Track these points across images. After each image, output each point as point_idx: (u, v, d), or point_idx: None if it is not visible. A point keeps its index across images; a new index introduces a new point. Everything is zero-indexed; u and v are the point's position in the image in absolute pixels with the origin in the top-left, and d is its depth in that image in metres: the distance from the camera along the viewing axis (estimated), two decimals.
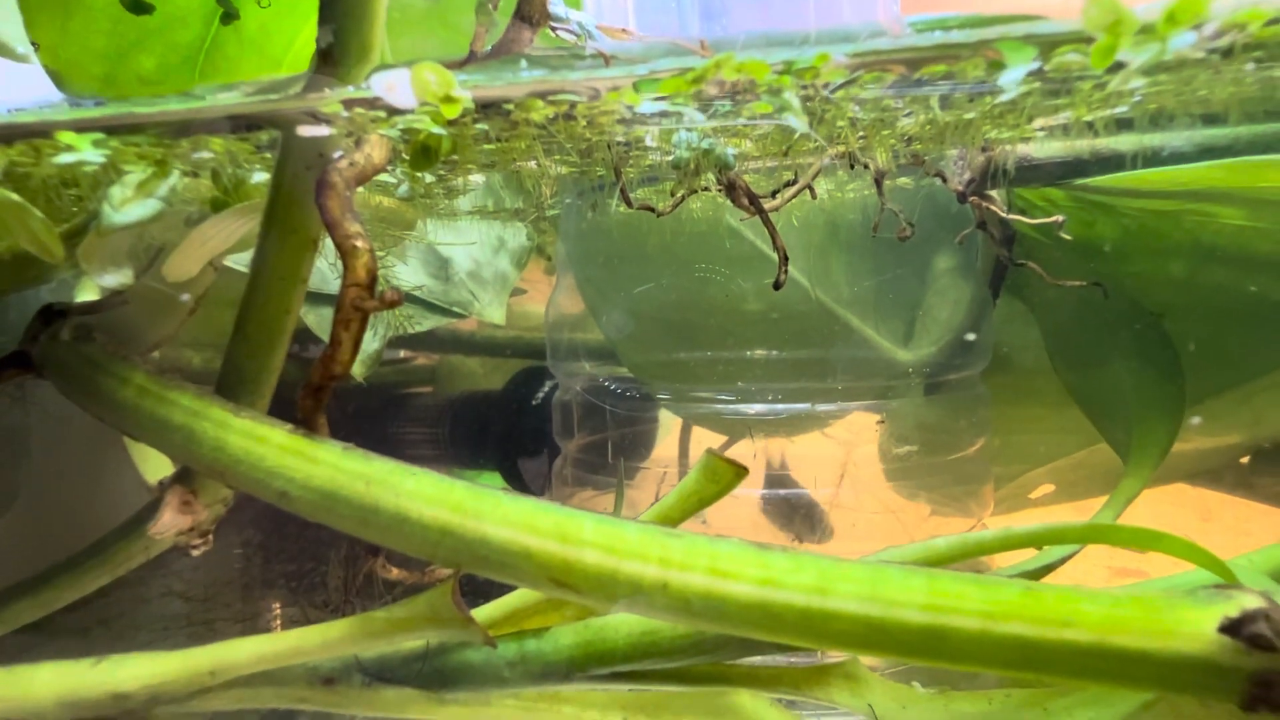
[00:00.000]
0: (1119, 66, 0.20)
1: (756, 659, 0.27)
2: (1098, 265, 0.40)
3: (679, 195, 0.31)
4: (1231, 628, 0.20)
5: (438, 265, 0.41)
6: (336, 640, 0.22)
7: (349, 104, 0.21)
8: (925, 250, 0.46)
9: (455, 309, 0.41)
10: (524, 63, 0.21)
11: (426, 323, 0.40)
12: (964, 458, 0.44)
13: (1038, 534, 0.26)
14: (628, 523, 0.21)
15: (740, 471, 0.24)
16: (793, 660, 0.28)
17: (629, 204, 0.28)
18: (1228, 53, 0.19)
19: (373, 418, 0.66)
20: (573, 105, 0.21)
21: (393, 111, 0.21)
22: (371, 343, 0.38)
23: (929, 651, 0.20)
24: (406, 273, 0.40)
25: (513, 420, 0.61)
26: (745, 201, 0.28)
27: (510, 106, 0.21)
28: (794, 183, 0.30)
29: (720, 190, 0.28)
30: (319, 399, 0.23)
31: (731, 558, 0.20)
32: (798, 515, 0.49)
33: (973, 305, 0.42)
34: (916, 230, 0.47)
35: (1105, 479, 0.49)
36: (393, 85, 0.20)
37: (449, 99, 0.20)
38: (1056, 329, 0.42)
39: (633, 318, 0.51)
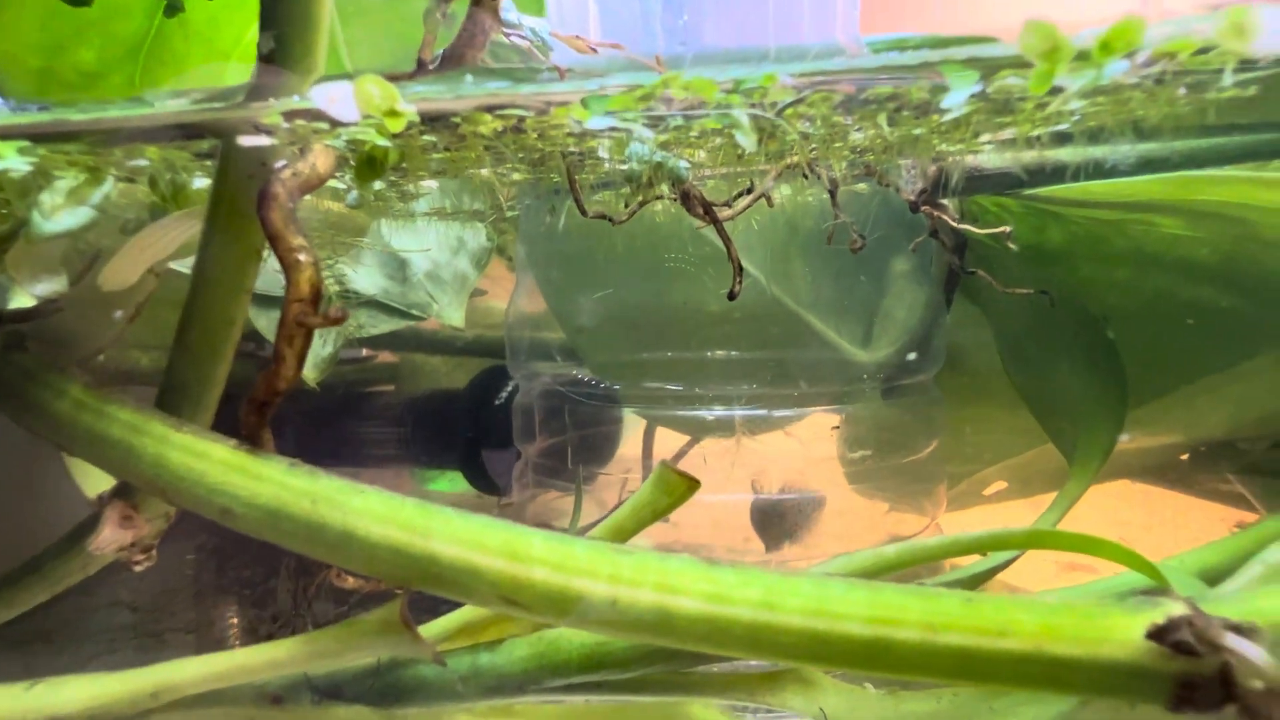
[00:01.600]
0: (1058, 90, 0.20)
1: (712, 666, 0.27)
2: (1049, 271, 0.41)
3: (635, 205, 0.31)
4: (1158, 634, 0.21)
5: (395, 267, 0.41)
6: (284, 659, 0.22)
7: (290, 115, 0.20)
8: (884, 254, 0.47)
9: (413, 311, 0.40)
10: (469, 77, 0.21)
11: (383, 325, 0.39)
12: (919, 459, 0.45)
13: (982, 540, 0.27)
14: (577, 540, 0.21)
15: (693, 484, 0.24)
16: (747, 665, 0.29)
17: (583, 213, 0.28)
18: (1160, 79, 0.20)
19: (333, 417, 0.65)
20: (521, 119, 0.21)
21: (336, 123, 0.20)
22: (324, 347, 0.37)
23: (873, 662, 0.20)
24: (363, 276, 0.39)
25: (475, 419, 0.60)
26: (700, 211, 0.29)
27: (457, 120, 0.21)
28: (750, 191, 0.31)
29: (675, 199, 0.28)
30: (263, 414, 0.22)
31: (680, 574, 0.21)
32: (772, 519, 0.50)
33: (928, 309, 0.43)
34: (874, 234, 0.48)
35: (1056, 477, 0.50)
36: (334, 98, 0.19)
37: (393, 113, 0.19)
38: (1009, 332, 0.43)
39: (595, 319, 0.51)
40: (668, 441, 0.58)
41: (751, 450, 0.53)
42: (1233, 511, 0.48)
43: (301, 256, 0.21)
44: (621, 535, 0.25)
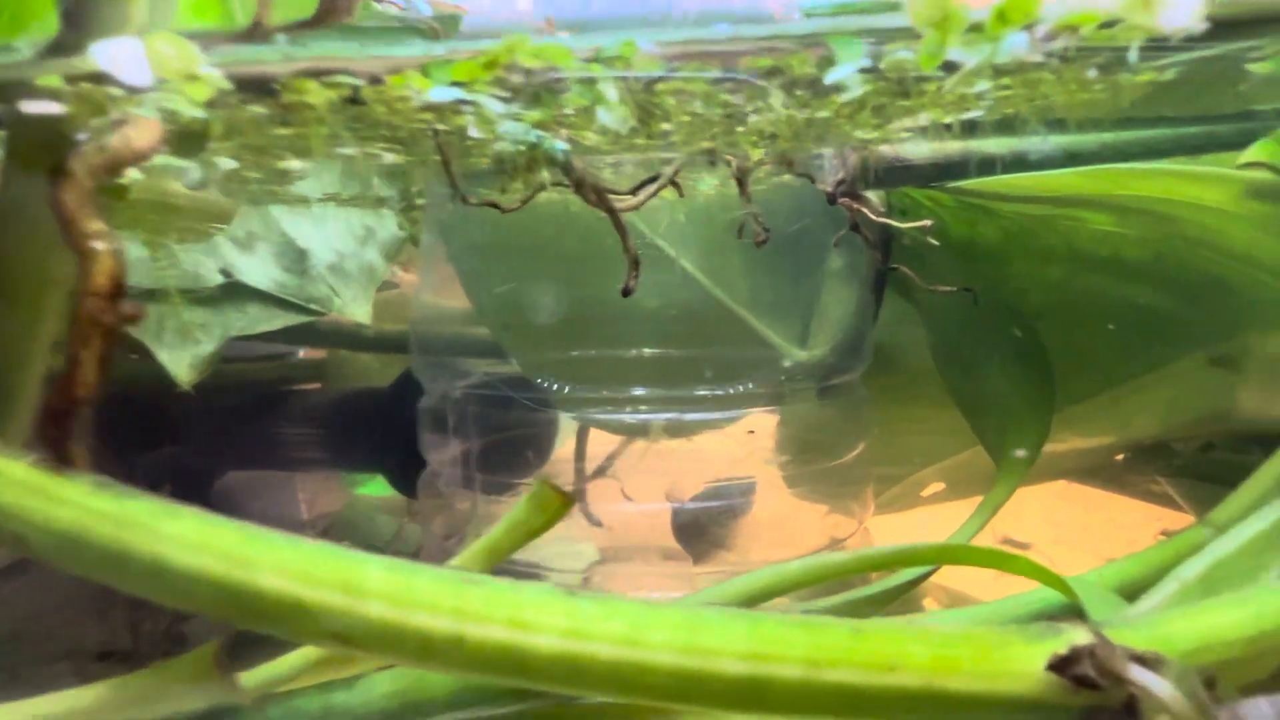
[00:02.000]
0: (954, 67, 0.18)
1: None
2: (981, 267, 0.40)
3: (528, 192, 0.28)
4: (1059, 665, 0.19)
5: (293, 258, 0.37)
6: (85, 710, 0.19)
7: (73, 79, 0.17)
8: (819, 249, 0.45)
9: (312, 306, 0.37)
10: (281, 38, 0.18)
11: (277, 321, 0.36)
12: (847, 461, 0.43)
13: (890, 556, 0.25)
14: (422, 569, 0.19)
15: (568, 501, 0.22)
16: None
17: (464, 200, 0.25)
18: (1065, 57, 0.18)
19: (253, 418, 0.61)
20: (356, 89, 0.18)
21: (133, 89, 0.18)
22: (205, 345, 0.34)
23: (750, 703, 0.18)
24: (254, 265, 0.36)
25: (400, 419, 0.57)
26: (594, 199, 0.26)
27: (279, 87, 0.18)
28: (655, 180, 0.28)
29: (570, 187, 0.26)
30: (64, 426, 0.19)
31: (535, 607, 0.18)
32: (694, 529, 0.48)
33: (859, 306, 0.42)
34: (809, 231, 0.46)
35: (993, 478, 0.49)
36: (120, 58, 0.16)
37: (192, 76, 0.17)
38: (941, 330, 0.41)
39: (523, 315, 0.49)
40: (599, 445, 0.56)
41: (684, 453, 0.51)
42: (1166, 512, 0.47)
43: (98, 245, 0.18)
44: (496, 556, 0.23)
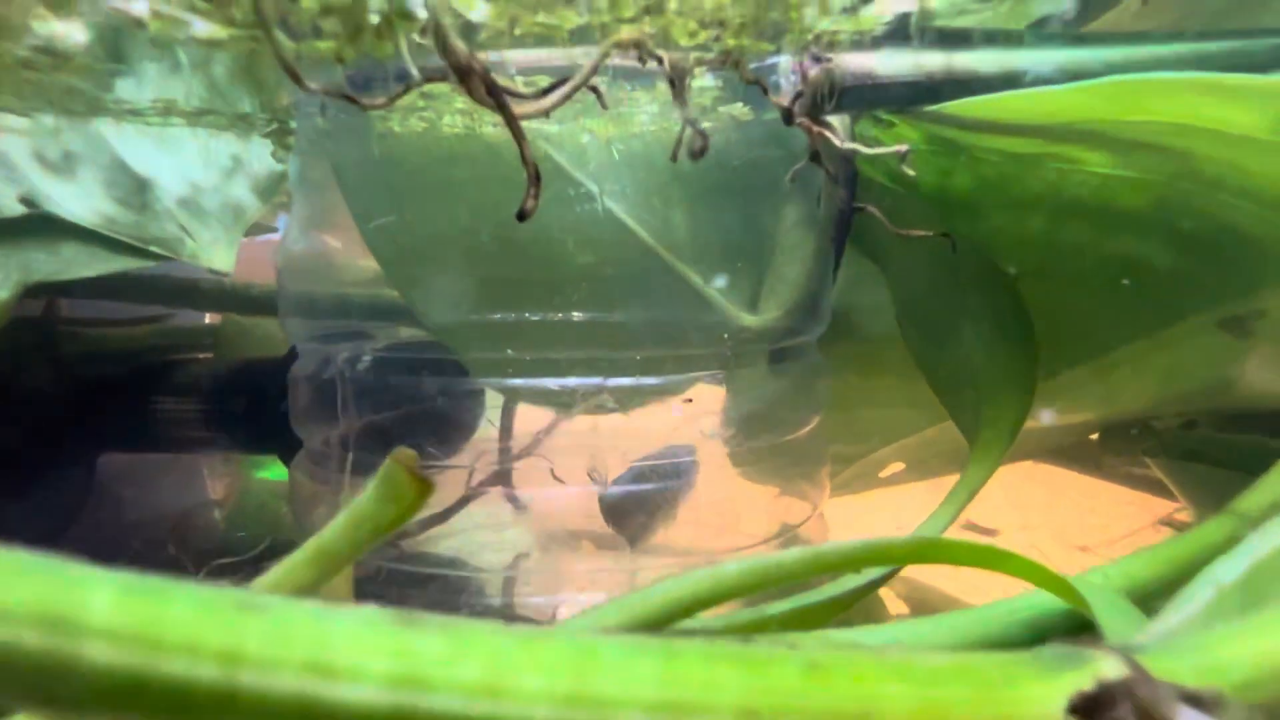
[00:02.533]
0: None
1: None
2: (953, 221, 0.35)
3: (401, 87, 0.22)
4: (1085, 708, 0.14)
5: (130, 188, 0.30)
6: None
7: None
8: (771, 198, 0.40)
9: (153, 248, 0.30)
10: None
11: (100, 265, 0.29)
12: (799, 437, 0.38)
13: (854, 553, 0.20)
14: (179, 591, 0.12)
15: (426, 487, 0.16)
16: None
17: (299, 82, 0.19)
18: None
19: (126, 390, 0.53)
20: None
21: None
22: None
23: None
24: (72, 194, 0.28)
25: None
26: (484, 94, 0.20)
27: None
28: (567, 80, 0.22)
29: (457, 83, 0.19)
30: None
31: (350, 644, 0.12)
32: (625, 512, 0.42)
33: (815, 262, 0.36)
34: (760, 174, 0.41)
35: (959, 457, 0.45)
36: None
37: None
38: (906, 291, 0.36)
39: (437, 271, 0.42)
40: (530, 420, 0.50)
41: (619, 428, 0.46)
42: (1141, 496, 0.44)
43: None
44: (331, 564, 0.17)
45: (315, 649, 0.12)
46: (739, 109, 0.35)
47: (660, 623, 0.20)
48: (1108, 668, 0.14)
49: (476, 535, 0.51)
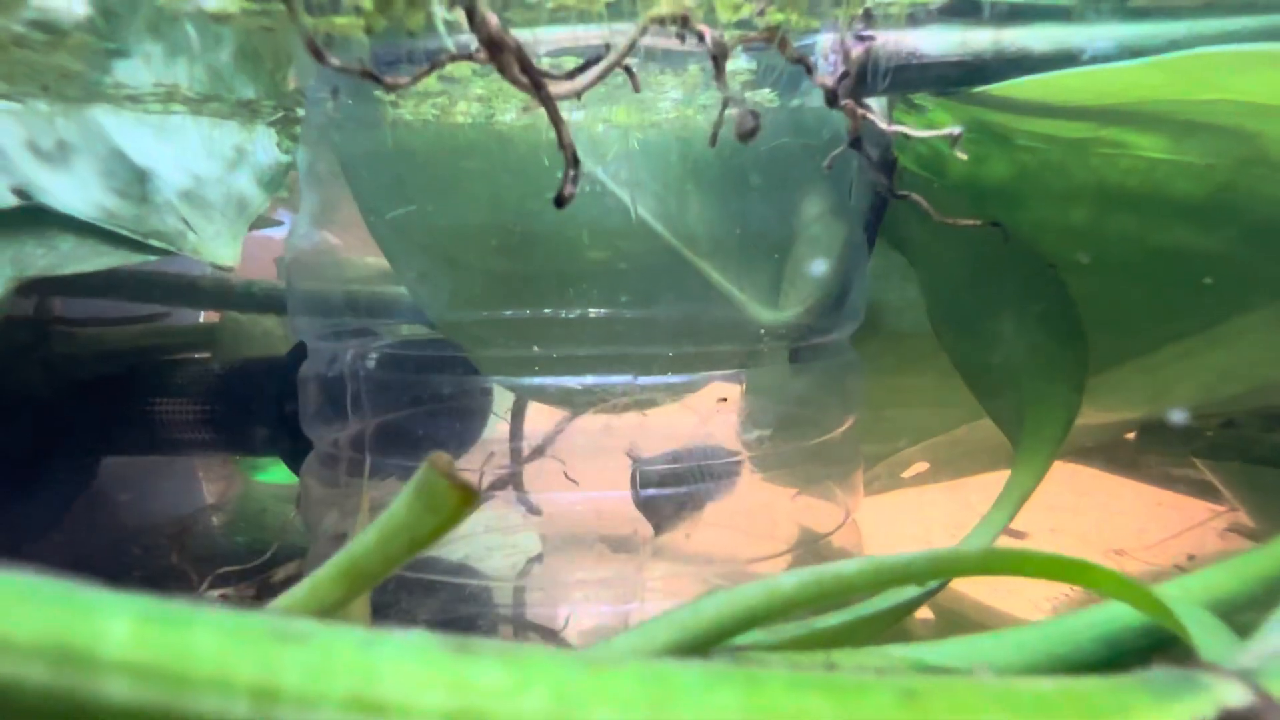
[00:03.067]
0: None
1: None
2: (990, 210, 0.33)
3: (428, 66, 0.20)
4: None
5: (129, 179, 0.28)
6: None
7: None
8: (795, 187, 0.38)
9: (154, 242, 0.29)
10: None
11: (97, 260, 0.27)
12: (833, 438, 0.37)
13: (915, 565, 0.18)
14: (206, 618, 0.11)
15: (469, 495, 0.15)
16: None
17: (319, 56, 0.17)
18: None
19: (122, 391, 0.51)
20: None
21: None
22: None
23: None
24: (67, 185, 0.27)
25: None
26: (517, 73, 0.18)
27: None
28: (601, 59, 0.21)
29: (487, 58, 0.18)
30: None
31: (400, 676, 0.11)
32: (670, 509, 0.41)
33: (846, 253, 0.35)
34: (784, 162, 0.39)
35: (984, 457, 0.44)
36: None
37: None
38: (940, 286, 0.35)
39: (444, 265, 0.40)
40: (542, 420, 0.49)
41: (637, 430, 0.44)
42: (1172, 496, 0.42)
43: None
44: (362, 579, 0.15)
45: (362, 682, 0.11)
46: (765, 95, 0.34)
47: (712, 639, 0.18)
48: (1229, 694, 0.13)
49: (485, 539, 0.50)
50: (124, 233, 0.28)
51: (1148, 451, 0.37)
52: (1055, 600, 0.38)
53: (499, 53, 0.18)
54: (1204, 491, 0.37)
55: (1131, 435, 0.38)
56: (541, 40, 0.26)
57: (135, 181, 0.28)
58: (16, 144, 0.25)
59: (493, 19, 0.17)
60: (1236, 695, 0.13)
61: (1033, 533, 0.44)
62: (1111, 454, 0.39)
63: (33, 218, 0.26)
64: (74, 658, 0.10)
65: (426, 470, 0.15)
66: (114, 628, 0.11)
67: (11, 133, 0.25)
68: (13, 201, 0.25)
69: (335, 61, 0.18)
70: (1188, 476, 0.38)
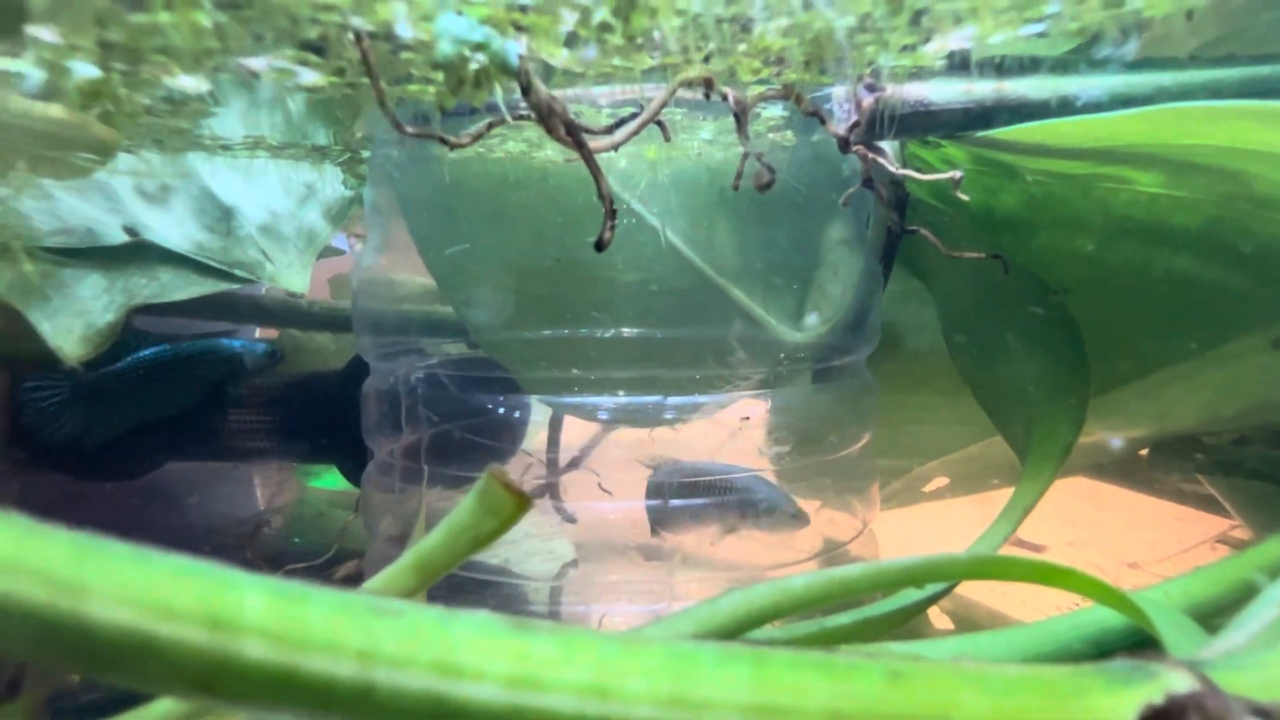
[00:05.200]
0: None
1: None
2: (1000, 239, 0.36)
3: (484, 124, 0.23)
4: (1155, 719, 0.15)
5: (216, 216, 0.32)
6: None
7: None
8: (817, 218, 0.41)
9: (237, 271, 0.32)
10: None
11: (192, 289, 0.31)
12: (850, 453, 0.39)
13: (914, 569, 0.21)
14: (319, 596, 0.14)
15: (524, 502, 0.17)
16: None
17: (399, 128, 0.20)
18: None
19: (190, 403, 0.56)
20: None
21: None
22: (103, 314, 0.29)
23: None
24: (167, 222, 0.30)
25: (355, 406, 0.52)
26: (563, 133, 0.21)
27: None
28: (637, 115, 0.23)
29: (535, 119, 0.21)
30: None
31: (472, 646, 0.14)
32: (687, 518, 0.43)
33: (863, 281, 0.37)
34: (807, 195, 0.42)
35: (1004, 472, 0.45)
36: None
37: None
38: (953, 309, 0.37)
39: (491, 289, 0.44)
40: (580, 434, 0.51)
41: (666, 443, 0.47)
42: (1190, 512, 0.43)
43: None
44: (431, 572, 0.18)
45: (442, 651, 0.13)
46: (788, 136, 0.36)
47: (729, 633, 0.21)
48: (1176, 681, 0.15)
49: (524, 544, 0.53)
50: (213, 263, 0.31)
51: (1160, 468, 0.39)
52: (1066, 608, 0.40)
53: (548, 116, 0.21)
54: (1217, 507, 0.38)
55: (1144, 452, 0.40)
56: (580, 95, 0.28)
57: (222, 218, 0.32)
58: (127, 188, 0.29)
59: (543, 90, 0.20)
60: (1183, 682, 0.15)
61: (1051, 545, 0.46)
62: (1128, 471, 0.41)
63: (138, 252, 0.29)
64: (223, 623, 0.13)
65: (487, 479, 0.18)
66: (252, 600, 0.14)
67: (123, 180, 0.28)
68: (123, 239, 0.29)
69: (411, 130, 0.21)
70: (1198, 492, 0.39)
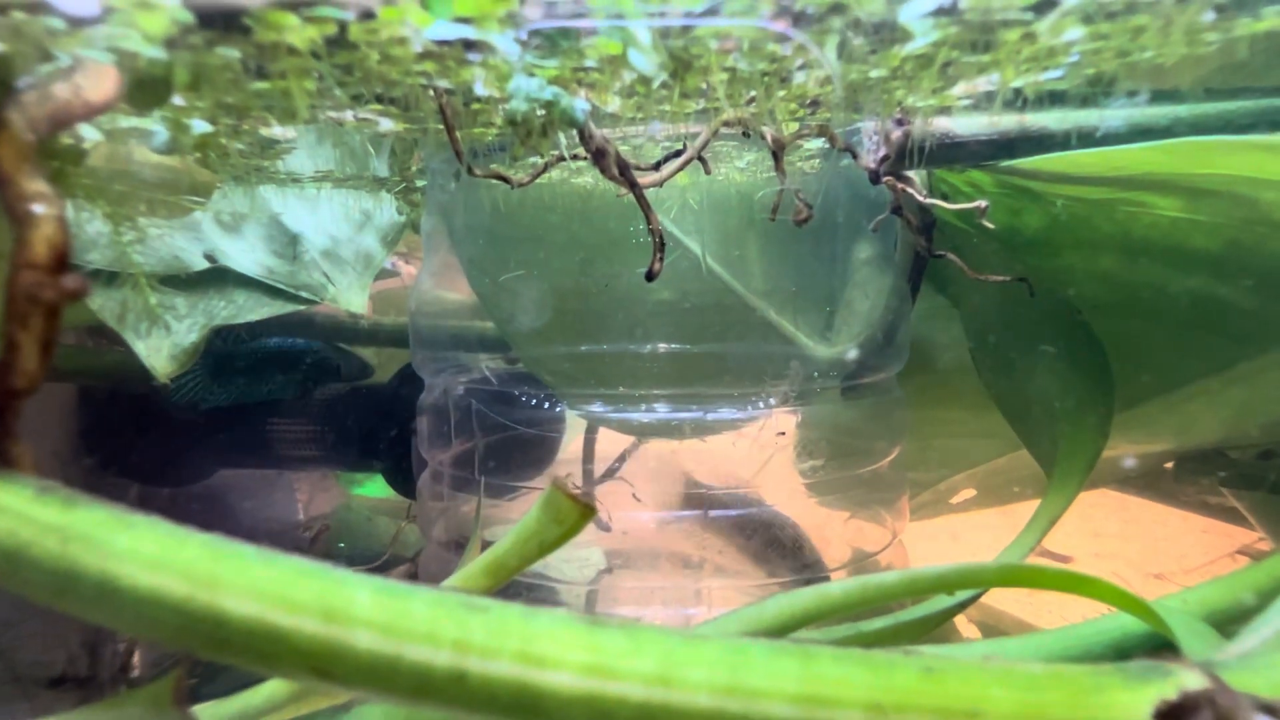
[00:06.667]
0: (1050, 5, 0.15)
1: None
2: (1025, 259, 0.37)
3: (541, 165, 0.25)
4: (1170, 714, 0.16)
5: (284, 242, 0.35)
6: None
7: (3, 8, 0.14)
8: (845, 239, 0.42)
9: (303, 294, 0.35)
10: None
11: (263, 310, 0.33)
12: (880, 466, 0.40)
13: (946, 577, 0.22)
14: (418, 593, 0.16)
15: (588, 510, 0.19)
16: None
17: (470, 171, 0.22)
18: None
19: (244, 412, 0.59)
20: (343, 25, 0.16)
21: (77, 19, 0.15)
22: (187, 334, 0.31)
23: None
24: (241, 249, 0.33)
25: (399, 417, 0.55)
26: (616, 173, 0.23)
27: (250, 22, 0.15)
28: (681, 153, 0.25)
29: (588, 159, 0.23)
30: (2, 421, 0.16)
31: (551, 638, 0.15)
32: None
33: (891, 299, 0.39)
34: (836, 217, 0.43)
35: (1030, 484, 0.46)
36: None
37: (145, 4, 0.14)
38: (980, 327, 0.38)
39: (528, 306, 0.46)
40: (609, 445, 0.53)
41: (700, 455, 0.48)
42: (1215, 524, 0.44)
43: (38, 208, 0.15)
44: (503, 573, 0.20)
45: (526, 642, 0.15)
46: (815, 162, 0.38)
47: (774, 632, 0.22)
48: (1190, 680, 0.17)
49: (561, 550, 0.55)
50: (281, 286, 0.34)
51: (1185, 481, 0.40)
52: (1090, 618, 0.40)
53: (602, 158, 0.23)
54: (1242, 520, 0.39)
55: (1169, 465, 0.41)
56: (629, 132, 0.30)
57: (288, 244, 0.35)
58: (208, 219, 0.31)
59: (599, 135, 0.22)
60: (1196, 681, 0.16)
61: (1078, 557, 0.46)
62: (1153, 484, 0.41)
63: (216, 276, 0.32)
64: (337, 615, 0.15)
65: (552, 489, 0.20)
66: (361, 595, 0.16)
67: (204, 210, 0.31)
68: (204, 264, 0.31)
69: (479, 172, 0.23)
70: (1223, 505, 0.39)
